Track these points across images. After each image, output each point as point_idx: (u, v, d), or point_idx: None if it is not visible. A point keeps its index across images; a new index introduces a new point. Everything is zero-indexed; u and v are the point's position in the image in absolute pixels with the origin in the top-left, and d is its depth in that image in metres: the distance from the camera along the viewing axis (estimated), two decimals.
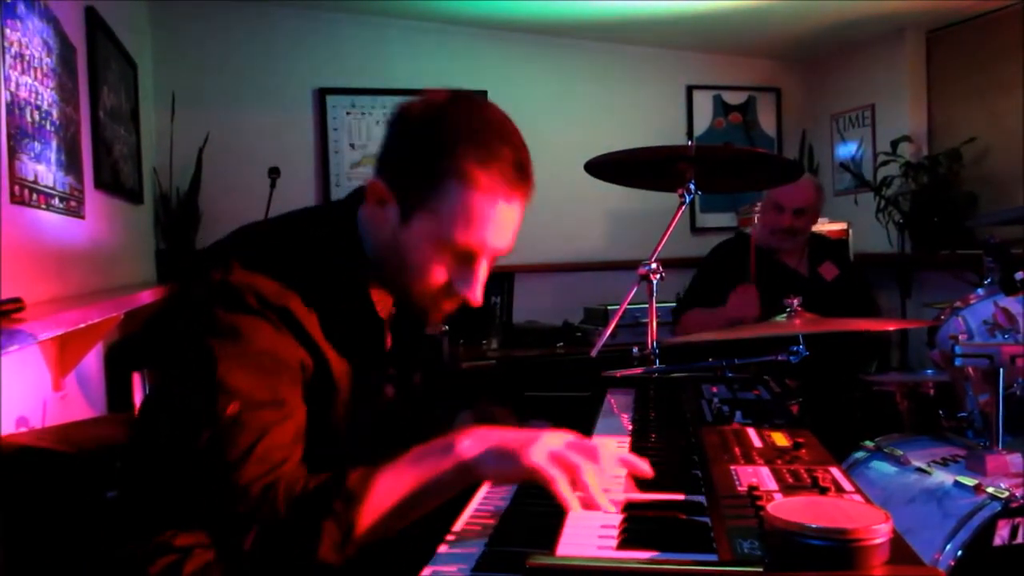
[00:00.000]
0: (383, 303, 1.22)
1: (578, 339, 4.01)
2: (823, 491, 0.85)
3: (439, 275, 1.12)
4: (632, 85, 4.86)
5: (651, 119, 4.82)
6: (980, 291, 2.10)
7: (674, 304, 3.08)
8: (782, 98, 5.16)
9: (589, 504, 0.89)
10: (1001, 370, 1.87)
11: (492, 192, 1.09)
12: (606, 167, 2.08)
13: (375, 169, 1.16)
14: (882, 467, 2.04)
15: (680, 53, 4.93)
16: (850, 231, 4.16)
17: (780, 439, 1.14)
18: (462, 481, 0.98)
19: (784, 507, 0.70)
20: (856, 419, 2.33)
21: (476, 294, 1.15)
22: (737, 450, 1.07)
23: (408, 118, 1.13)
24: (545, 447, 0.94)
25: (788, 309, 1.98)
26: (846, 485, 0.90)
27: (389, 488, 0.98)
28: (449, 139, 1.09)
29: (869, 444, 2.11)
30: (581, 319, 4.28)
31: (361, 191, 1.20)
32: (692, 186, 1.98)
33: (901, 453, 2.02)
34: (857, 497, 0.85)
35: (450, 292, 1.15)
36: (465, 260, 1.12)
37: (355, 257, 1.17)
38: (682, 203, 1.98)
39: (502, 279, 4.34)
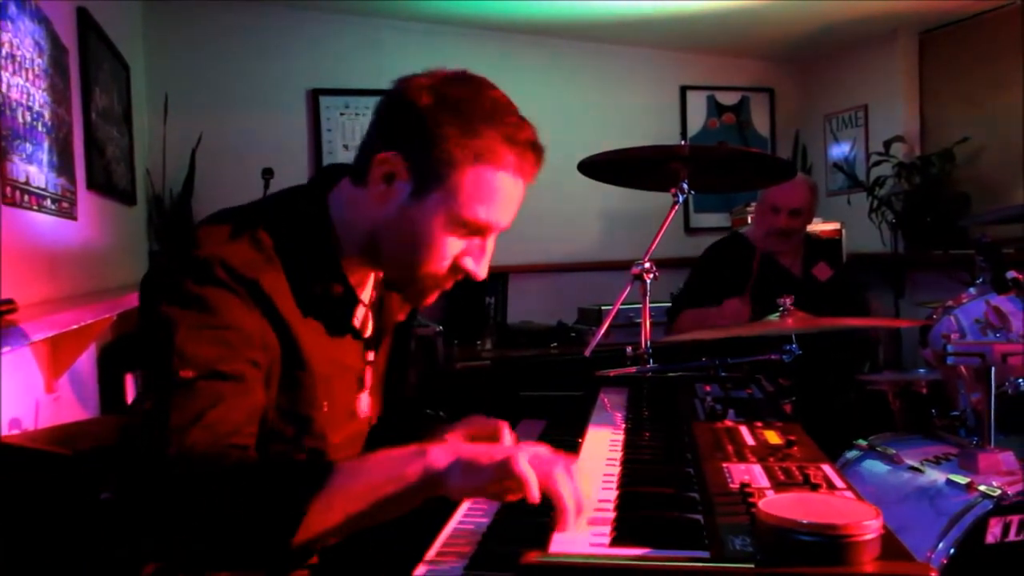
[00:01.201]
0: (363, 284, 1.21)
1: (572, 339, 4.01)
2: (815, 488, 0.85)
3: (448, 251, 1.11)
4: (626, 85, 4.87)
5: (645, 120, 4.83)
6: (972, 290, 2.11)
7: (668, 304, 3.08)
8: (775, 98, 5.18)
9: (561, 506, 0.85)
10: (993, 369, 1.88)
11: (510, 169, 1.10)
12: (599, 167, 2.09)
13: (378, 144, 1.12)
14: (875, 466, 2.05)
15: (674, 54, 4.94)
16: (843, 231, 4.17)
17: (772, 437, 1.14)
18: (427, 491, 0.93)
19: (775, 504, 0.70)
20: (849, 418, 2.34)
21: (483, 270, 1.15)
22: (729, 448, 1.07)
23: (422, 92, 1.10)
24: (517, 454, 0.90)
25: (781, 308, 1.99)
26: (838, 482, 0.91)
27: (342, 484, 0.92)
28: (474, 117, 1.09)
29: (862, 443, 2.11)
30: (575, 319, 4.28)
31: (329, 172, 1.20)
32: (685, 186, 1.98)
33: (894, 452, 2.03)
34: (848, 494, 0.85)
35: (455, 269, 1.14)
36: (476, 236, 1.13)
37: (327, 234, 1.16)
38: (675, 203, 1.98)
39: (496, 279, 4.34)
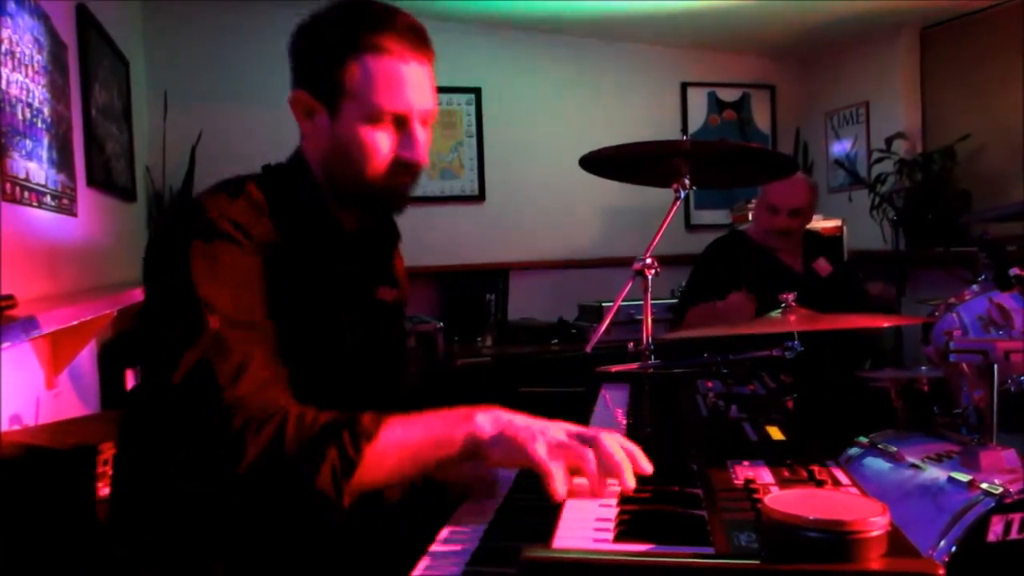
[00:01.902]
0: (348, 220, 1.27)
1: (573, 336, 4.01)
2: (820, 484, 0.84)
3: (383, 147, 1.19)
4: (627, 82, 4.86)
5: (646, 116, 4.82)
6: (975, 287, 2.10)
7: (670, 300, 3.08)
8: (777, 95, 5.17)
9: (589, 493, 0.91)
10: (995, 366, 1.87)
11: (397, 54, 1.17)
12: (601, 162, 2.08)
13: (292, 87, 1.23)
14: (876, 463, 2.05)
15: (675, 50, 4.93)
16: (844, 228, 4.17)
17: (776, 433, 1.14)
18: (467, 455, 1.00)
19: (781, 500, 0.69)
20: (850, 415, 2.33)
21: (420, 153, 1.21)
22: (732, 444, 1.07)
23: (303, 30, 1.23)
24: (552, 440, 0.96)
25: (783, 305, 1.98)
26: (843, 479, 0.90)
27: (398, 436, 1.00)
28: (344, 26, 1.19)
29: (863, 440, 2.11)
30: (576, 316, 4.28)
31: (297, 155, 1.28)
32: (687, 181, 1.97)
33: (895, 449, 2.03)
34: (854, 491, 0.85)
35: (398, 165, 1.20)
36: (399, 126, 1.20)
37: (311, 181, 1.25)
38: (677, 199, 1.98)
39: (497, 275, 4.34)
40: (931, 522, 1.79)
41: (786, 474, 0.92)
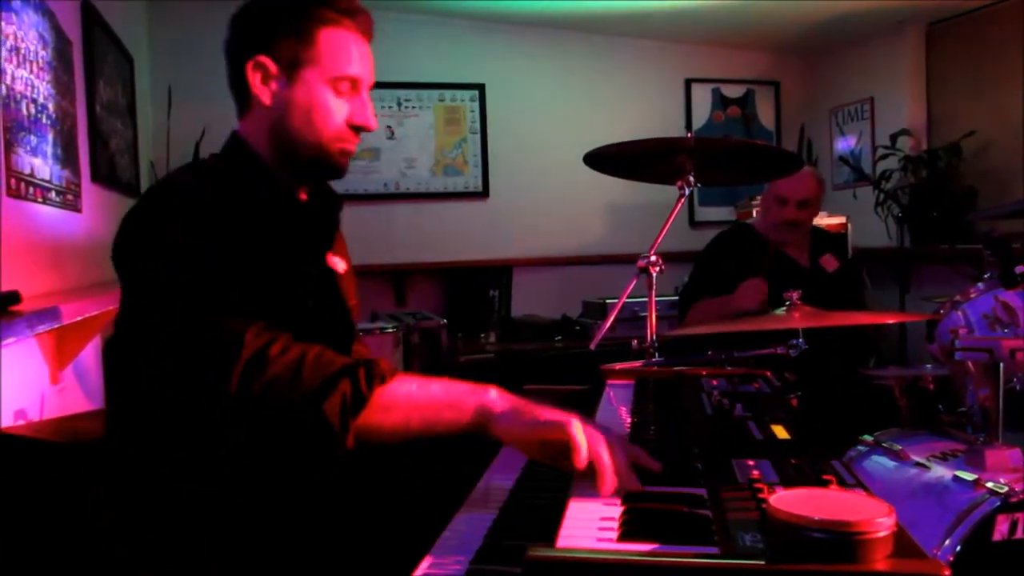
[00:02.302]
0: (296, 192, 1.35)
1: (577, 332, 4.01)
2: (825, 484, 0.84)
3: (337, 112, 1.28)
4: (631, 78, 4.85)
5: (650, 113, 4.81)
6: (980, 285, 2.10)
7: (674, 297, 3.06)
8: (781, 91, 5.16)
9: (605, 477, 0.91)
10: (1001, 364, 1.86)
11: (350, 28, 1.30)
12: (605, 159, 2.07)
13: (245, 53, 1.31)
14: (881, 462, 2.04)
15: (679, 46, 4.91)
16: (849, 225, 4.16)
17: (781, 432, 1.13)
18: (477, 426, 1.02)
19: (786, 500, 0.69)
20: (855, 414, 2.32)
21: (370, 119, 1.31)
22: (737, 443, 1.06)
23: (258, 4, 1.34)
24: (567, 419, 0.98)
25: (788, 303, 1.98)
26: (848, 478, 0.90)
27: (410, 389, 1.04)
28: (302, 1, 1.28)
29: (868, 439, 2.10)
30: (580, 313, 4.28)
31: (233, 137, 1.36)
32: (691, 179, 1.97)
33: (900, 448, 2.02)
34: (860, 490, 0.84)
35: (351, 128, 1.30)
36: (352, 91, 1.29)
37: (257, 159, 1.31)
38: (681, 196, 1.97)
39: (500, 272, 4.34)
40: (936, 521, 1.79)
41: (791, 474, 0.92)
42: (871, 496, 0.76)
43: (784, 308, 1.97)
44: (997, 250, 2.05)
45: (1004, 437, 1.93)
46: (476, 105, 4.55)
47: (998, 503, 1.75)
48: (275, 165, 1.32)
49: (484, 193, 4.58)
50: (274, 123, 1.30)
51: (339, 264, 1.41)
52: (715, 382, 1.50)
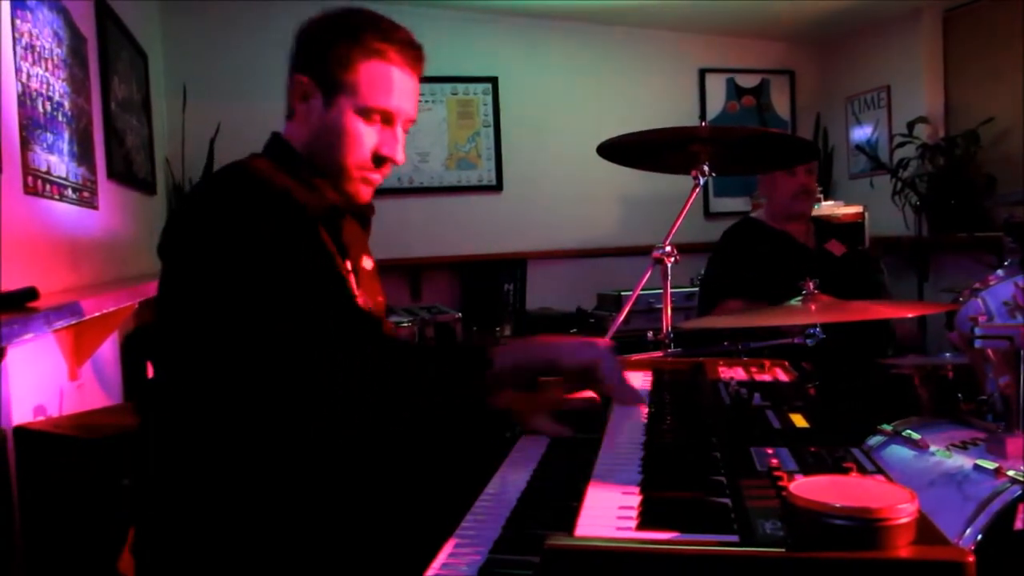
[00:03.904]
0: (332, 195, 1.37)
1: (591, 325, 4.00)
2: (845, 472, 0.83)
3: (367, 142, 1.32)
4: (644, 69, 4.83)
5: (664, 103, 4.79)
6: (1000, 272, 2.07)
7: (690, 289, 3.04)
8: (796, 81, 5.12)
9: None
10: (1021, 352, 1.84)
11: (396, 63, 1.32)
12: (619, 150, 2.07)
13: (291, 70, 1.37)
14: (900, 451, 2.02)
15: (693, 36, 4.89)
16: (866, 214, 4.12)
17: (799, 420, 1.12)
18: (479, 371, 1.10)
19: (806, 487, 0.68)
20: (873, 403, 2.30)
21: (399, 153, 1.35)
22: (756, 431, 1.05)
23: (316, 23, 1.37)
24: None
25: (804, 292, 1.97)
26: (869, 466, 0.89)
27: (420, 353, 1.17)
28: (354, 28, 1.33)
29: (887, 428, 2.08)
30: (595, 305, 4.27)
31: (276, 139, 1.39)
32: (706, 168, 1.96)
33: (919, 437, 2.00)
34: (880, 477, 0.83)
35: (377, 159, 1.34)
36: (385, 123, 1.33)
37: (301, 160, 1.35)
38: (696, 185, 1.96)
39: (515, 265, 4.34)
40: (957, 510, 1.77)
41: (811, 461, 0.91)
42: (892, 483, 0.75)
43: (800, 299, 1.96)
44: (1017, 236, 2.03)
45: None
46: (489, 98, 4.55)
47: (1020, 492, 1.74)
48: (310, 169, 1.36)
49: (498, 187, 4.57)
50: (308, 138, 1.35)
51: (367, 263, 1.45)
52: (732, 372, 1.49)
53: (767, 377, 1.49)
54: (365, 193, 1.39)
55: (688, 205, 1.92)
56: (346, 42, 1.31)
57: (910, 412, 2.20)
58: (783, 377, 1.50)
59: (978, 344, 1.89)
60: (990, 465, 1.81)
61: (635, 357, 1.69)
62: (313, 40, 1.36)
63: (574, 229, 4.66)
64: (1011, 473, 1.75)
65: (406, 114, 1.36)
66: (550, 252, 4.59)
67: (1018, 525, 1.76)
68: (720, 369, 1.51)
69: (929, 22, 4.44)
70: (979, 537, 1.70)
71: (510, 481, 1.08)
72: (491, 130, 4.55)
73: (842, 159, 4.91)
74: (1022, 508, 1.75)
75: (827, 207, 4.10)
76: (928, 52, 4.47)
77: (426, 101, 4.44)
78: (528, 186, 4.61)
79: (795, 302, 1.95)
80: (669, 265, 1.85)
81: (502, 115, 4.58)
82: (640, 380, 1.49)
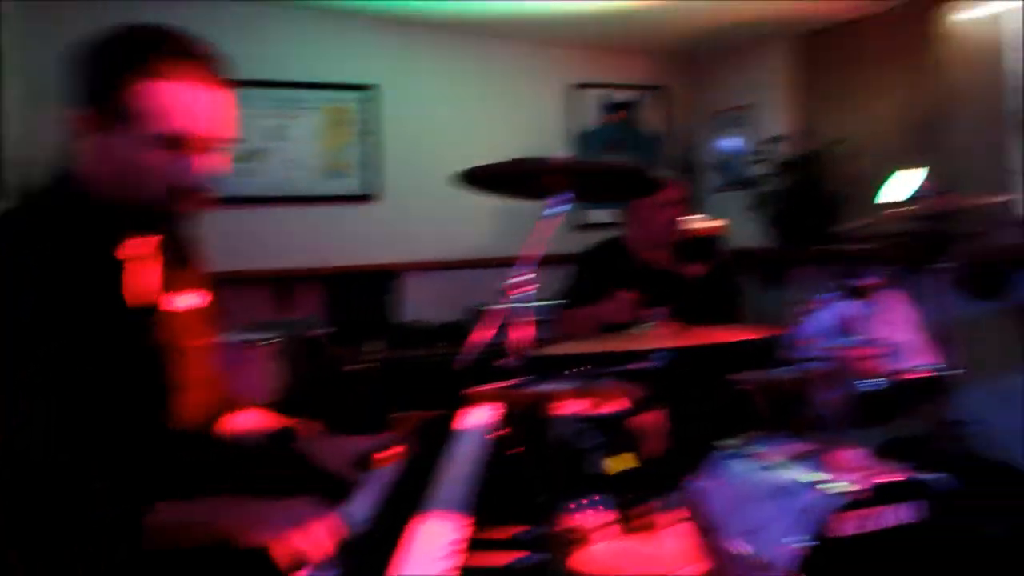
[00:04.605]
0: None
1: (464, 337, 4.01)
2: (648, 527, 0.88)
3: (154, 172, 1.20)
4: (523, 81, 4.89)
5: (538, 116, 4.88)
6: (829, 295, 2.23)
7: (554, 301, 3.07)
8: (667, 96, 5.29)
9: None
10: (845, 369, 2.00)
11: (181, 80, 1.19)
12: (476, 180, 2.09)
13: (72, 102, 1.23)
14: (738, 466, 2.14)
15: (567, 50, 4.98)
16: (725, 228, 4.30)
17: (628, 461, 1.18)
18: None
19: (592, 557, 0.72)
20: (721, 420, 2.41)
21: (195, 178, 1.22)
22: (581, 478, 1.10)
23: (89, 49, 1.23)
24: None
25: (655, 319, 2.05)
26: (677, 515, 0.94)
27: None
28: (138, 49, 1.20)
29: (727, 443, 2.20)
30: (468, 317, 4.29)
31: (59, 180, 1.28)
32: (563, 196, 2.00)
33: (757, 451, 2.13)
34: (686, 526, 0.89)
35: (174, 189, 1.22)
36: (179, 150, 1.21)
37: (81, 203, 1.23)
38: (555, 213, 2.00)
39: (386, 277, 4.31)
40: (787, 520, 1.90)
41: (625, 513, 0.96)
42: (688, 539, 0.80)
43: (650, 324, 2.03)
44: (841, 263, 2.19)
45: (850, 437, 2.06)
46: (365, 106, 4.49)
47: (845, 501, 1.88)
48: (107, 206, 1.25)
49: (374, 196, 4.53)
50: (101, 176, 1.24)
51: (187, 301, 1.35)
52: (574, 406, 1.54)
53: (610, 408, 1.54)
54: (182, 210, 1.26)
55: (545, 235, 1.95)
56: (130, 65, 1.20)
57: (752, 427, 2.33)
58: (626, 406, 1.56)
59: (807, 365, 2.03)
60: (818, 476, 1.95)
61: (481, 388, 1.71)
62: (89, 67, 1.23)
63: (452, 239, 4.66)
64: (837, 484, 1.90)
65: (207, 130, 1.23)
66: (429, 263, 4.58)
67: (844, 532, 1.90)
68: (563, 403, 1.55)
69: (786, 46, 4.70)
70: (809, 544, 1.83)
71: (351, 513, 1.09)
72: (368, 139, 4.50)
73: (707, 174, 5.11)
74: (847, 517, 1.90)
75: (691, 221, 4.26)
76: (786, 74, 4.73)
77: (299, 107, 4.35)
78: (406, 196, 4.57)
79: (644, 327, 2.03)
80: (520, 299, 1.88)
81: (379, 124, 4.53)
82: (485, 416, 1.52)
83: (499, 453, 1.27)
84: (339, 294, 4.23)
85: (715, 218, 4.29)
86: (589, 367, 1.92)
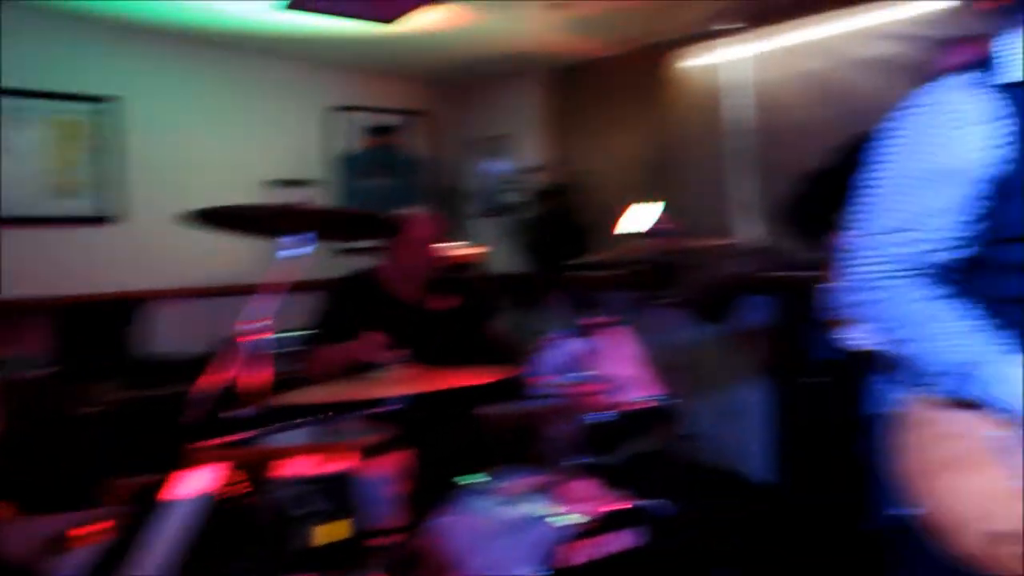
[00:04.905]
0: None
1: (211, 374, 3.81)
2: None
3: None
4: (277, 101, 4.74)
5: (295, 137, 4.76)
6: (561, 331, 2.37)
7: (304, 332, 2.98)
8: (430, 122, 5.35)
9: None
10: (574, 404, 2.13)
11: None
12: (210, 220, 2.00)
13: None
14: (476, 502, 2.19)
15: (327, 71, 4.90)
16: (484, 255, 4.43)
17: (338, 531, 1.16)
18: None
19: None
20: (468, 456, 2.44)
21: None
22: (282, 554, 1.07)
23: None
24: None
25: (397, 361, 2.06)
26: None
27: None
28: None
29: (467, 480, 2.24)
30: (217, 350, 4.07)
31: None
32: (303, 237, 1.97)
33: (497, 486, 2.19)
34: None
35: None
36: None
37: None
38: (293, 254, 1.97)
39: (129, 307, 3.98)
40: (523, 553, 1.97)
41: None
42: None
43: (391, 367, 2.04)
44: (569, 301, 2.34)
45: (580, 469, 2.19)
46: (100, 120, 4.12)
47: (576, 531, 1.99)
48: None
49: (113, 218, 4.17)
50: None
51: None
52: (297, 466, 1.50)
53: (336, 467, 1.53)
54: None
55: (285, 283, 1.91)
56: None
57: (495, 461, 2.39)
58: (355, 463, 1.55)
59: (540, 401, 2.14)
60: (553, 508, 2.05)
61: (209, 445, 1.63)
62: None
63: (204, 265, 4.37)
64: (568, 514, 2.01)
65: None
66: (177, 290, 4.28)
67: (577, 560, 2.01)
68: (286, 462, 1.51)
69: (542, 78, 4.93)
70: (544, 574, 1.91)
71: None
72: (102, 155, 4.13)
73: (467, 201, 5.24)
74: (579, 544, 2.01)
75: (450, 249, 4.34)
76: (542, 105, 4.97)
77: (19, 119, 3.90)
78: (153, 218, 4.22)
79: (386, 371, 2.04)
80: (255, 342, 1.83)
81: (127, 140, 4.18)
82: (204, 479, 1.45)
83: (215, 521, 1.21)
84: (71, 327, 3.84)
85: (474, 245, 4.43)
86: (327, 414, 1.90)
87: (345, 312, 2.74)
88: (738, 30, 3.95)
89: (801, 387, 3.01)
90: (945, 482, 1.25)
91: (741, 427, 3.64)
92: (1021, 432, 1.20)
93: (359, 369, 2.26)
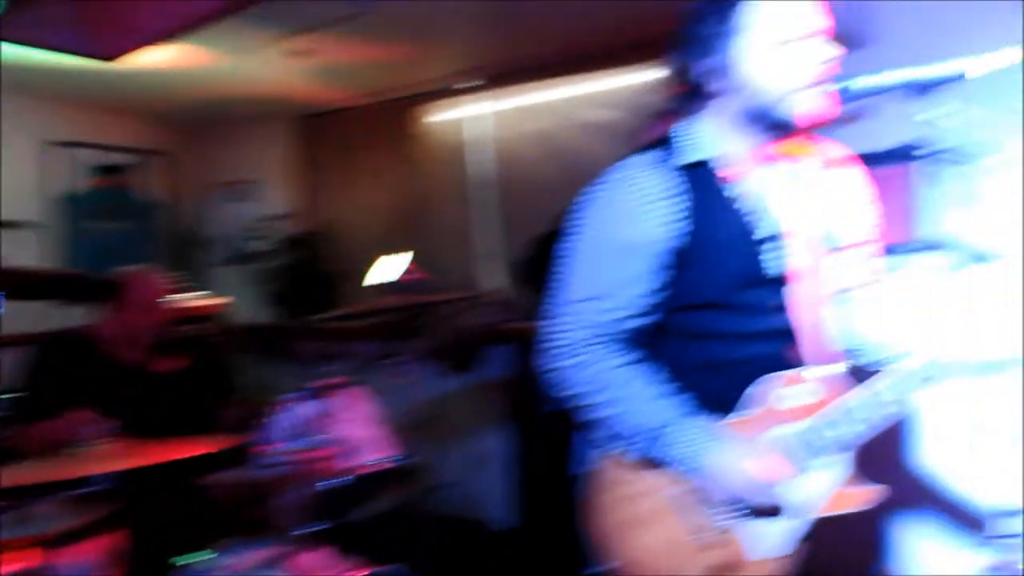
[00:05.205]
0: None
1: None
2: None
3: None
4: (8, 136, 4.21)
5: (9, 175, 4.25)
6: (294, 395, 2.29)
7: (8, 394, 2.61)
8: (167, 163, 5.02)
9: None
10: (305, 471, 2.06)
11: None
12: None
13: None
14: None
15: (47, 103, 4.43)
16: (222, 305, 4.21)
17: None
18: None
19: None
20: (185, 531, 2.26)
21: None
22: None
23: None
24: None
25: (103, 436, 1.88)
26: None
27: None
28: None
29: (190, 559, 2.09)
30: None
31: None
32: None
33: (221, 563, 2.06)
34: None
35: None
36: None
37: None
38: None
39: None
40: None
41: None
42: None
43: (99, 443, 1.86)
44: (316, 356, 2.27)
45: (317, 536, 2.11)
46: None
47: None
48: None
49: None
50: None
51: None
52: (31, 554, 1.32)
53: (19, 565, 1.36)
54: None
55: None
56: None
57: (222, 535, 2.23)
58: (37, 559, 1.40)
59: (268, 471, 2.05)
60: None
61: None
62: None
63: None
64: None
65: None
66: None
67: None
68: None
69: (288, 124, 4.81)
70: None
71: None
72: None
73: (211, 248, 4.97)
74: None
75: (186, 300, 4.07)
76: (288, 152, 4.85)
77: None
78: None
79: (87, 448, 1.85)
80: None
81: None
82: None
83: None
84: None
85: (214, 295, 4.20)
86: (26, 499, 1.69)
87: (52, 376, 2.41)
88: (479, 88, 4.12)
89: (536, 435, 3.14)
90: (634, 538, 1.36)
91: (487, 475, 3.72)
92: (699, 490, 1.33)
93: (63, 446, 2.03)
